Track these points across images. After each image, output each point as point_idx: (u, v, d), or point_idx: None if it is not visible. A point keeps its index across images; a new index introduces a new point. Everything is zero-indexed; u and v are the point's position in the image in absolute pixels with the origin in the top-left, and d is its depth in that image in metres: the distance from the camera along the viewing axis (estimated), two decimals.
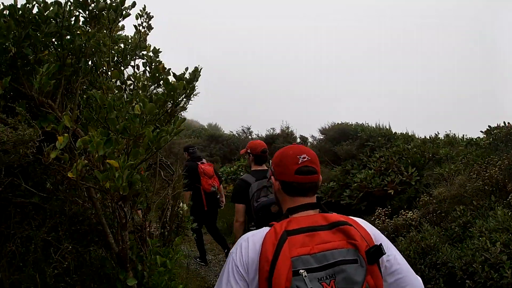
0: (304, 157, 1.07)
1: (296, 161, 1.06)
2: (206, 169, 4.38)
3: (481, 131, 4.91)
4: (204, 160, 4.57)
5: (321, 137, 8.40)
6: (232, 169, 8.58)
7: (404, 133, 6.82)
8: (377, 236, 1.05)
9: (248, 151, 2.73)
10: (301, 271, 0.87)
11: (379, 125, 7.23)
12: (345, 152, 6.44)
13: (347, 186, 5.68)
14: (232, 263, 0.97)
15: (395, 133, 6.79)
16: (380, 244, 0.94)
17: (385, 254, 0.95)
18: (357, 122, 7.78)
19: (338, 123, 8.16)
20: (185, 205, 2.73)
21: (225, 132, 15.32)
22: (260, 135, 11.23)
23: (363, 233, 0.97)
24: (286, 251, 0.89)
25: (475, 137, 5.19)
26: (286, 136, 9.73)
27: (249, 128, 13.09)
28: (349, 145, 6.67)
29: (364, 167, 5.92)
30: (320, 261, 0.90)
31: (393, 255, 1.04)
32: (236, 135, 13.71)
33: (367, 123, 7.52)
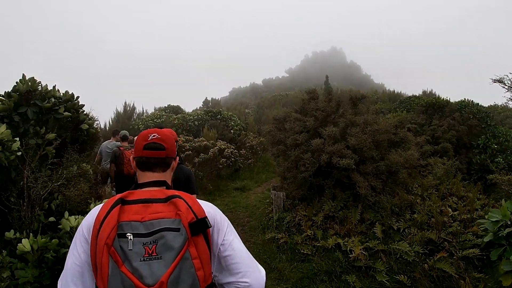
0: (154, 135, 1.24)
1: (146, 138, 1.24)
2: None
3: None
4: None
5: None
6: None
7: None
8: (216, 217, 1.19)
9: None
10: (128, 234, 1.00)
11: None
12: None
13: None
14: (80, 227, 1.15)
15: None
16: (204, 218, 1.07)
17: (210, 227, 1.08)
18: None
19: None
20: None
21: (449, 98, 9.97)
22: None
23: (194, 207, 1.08)
24: (115, 215, 1.03)
25: None
26: None
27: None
28: None
29: None
30: (148, 228, 1.02)
31: (229, 240, 1.18)
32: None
33: None
